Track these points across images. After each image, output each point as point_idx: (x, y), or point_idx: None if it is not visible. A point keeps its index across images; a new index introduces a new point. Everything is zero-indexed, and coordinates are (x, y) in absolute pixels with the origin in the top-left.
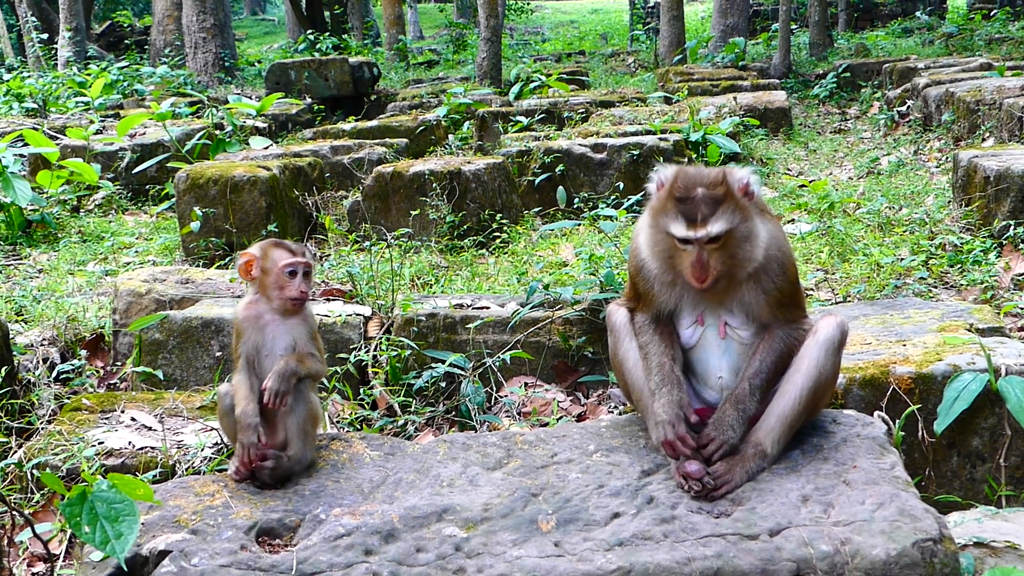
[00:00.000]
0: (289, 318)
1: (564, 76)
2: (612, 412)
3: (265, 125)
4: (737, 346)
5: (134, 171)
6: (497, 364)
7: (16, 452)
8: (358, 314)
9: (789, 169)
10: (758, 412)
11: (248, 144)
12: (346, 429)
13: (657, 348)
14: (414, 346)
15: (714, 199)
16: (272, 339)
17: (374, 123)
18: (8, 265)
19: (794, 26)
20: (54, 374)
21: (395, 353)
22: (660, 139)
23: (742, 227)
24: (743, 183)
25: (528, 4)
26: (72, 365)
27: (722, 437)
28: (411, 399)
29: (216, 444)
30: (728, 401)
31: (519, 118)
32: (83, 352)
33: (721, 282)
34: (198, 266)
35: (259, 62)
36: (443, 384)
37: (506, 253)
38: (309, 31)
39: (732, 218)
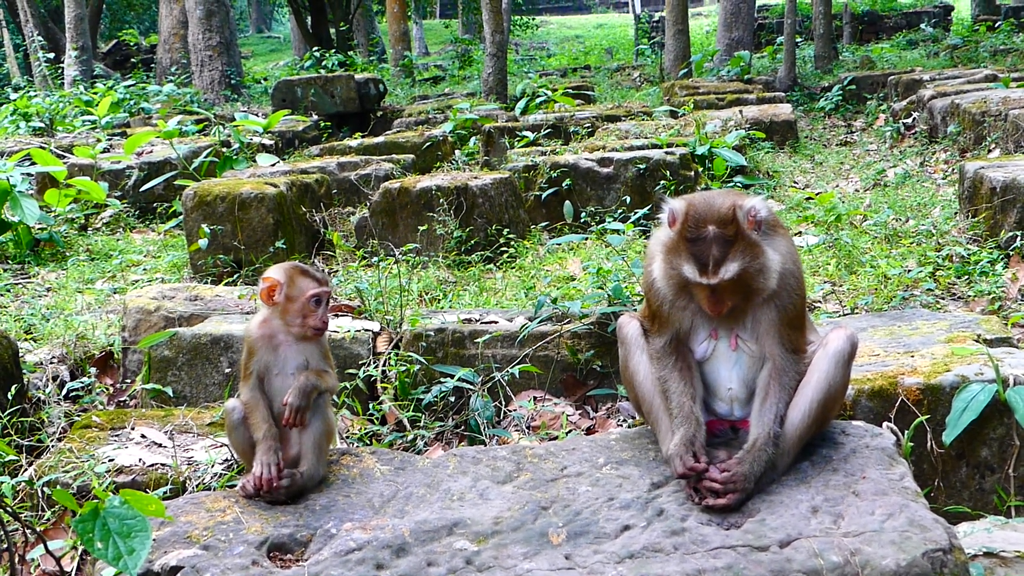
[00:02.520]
0: (303, 340)
1: (570, 91)
2: (621, 425)
3: (272, 142)
4: (748, 358)
5: (142, 189)
6: (506, 378)
7: (27, 470)
8: (367, 330)
9: (795, 182)
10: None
11: (255, 161)
12: (356, 444)
13: (677, 386)
14: (423, 361)
15: (725, 239)
16: (284, 359)
17: (380, 139)
18: (17, 284)
19: (799, 39)
20: (64, 392)
21: (404, 368)
22: (666, 153)
23: (754, 264)
24: (752, 215)
25: (533, 19)
26: (82, 383)
27: (741, 485)
28: (420, 414)
29: (226, 460)
30: (752, 449)
31: (525, 133)
32: (92, 370)
33: (737, 307)
34: (206, 283)
35: (265, 79)
36: (452, 399)
37: (514, 268)
38: (315, 48)
39: (744, 258)
